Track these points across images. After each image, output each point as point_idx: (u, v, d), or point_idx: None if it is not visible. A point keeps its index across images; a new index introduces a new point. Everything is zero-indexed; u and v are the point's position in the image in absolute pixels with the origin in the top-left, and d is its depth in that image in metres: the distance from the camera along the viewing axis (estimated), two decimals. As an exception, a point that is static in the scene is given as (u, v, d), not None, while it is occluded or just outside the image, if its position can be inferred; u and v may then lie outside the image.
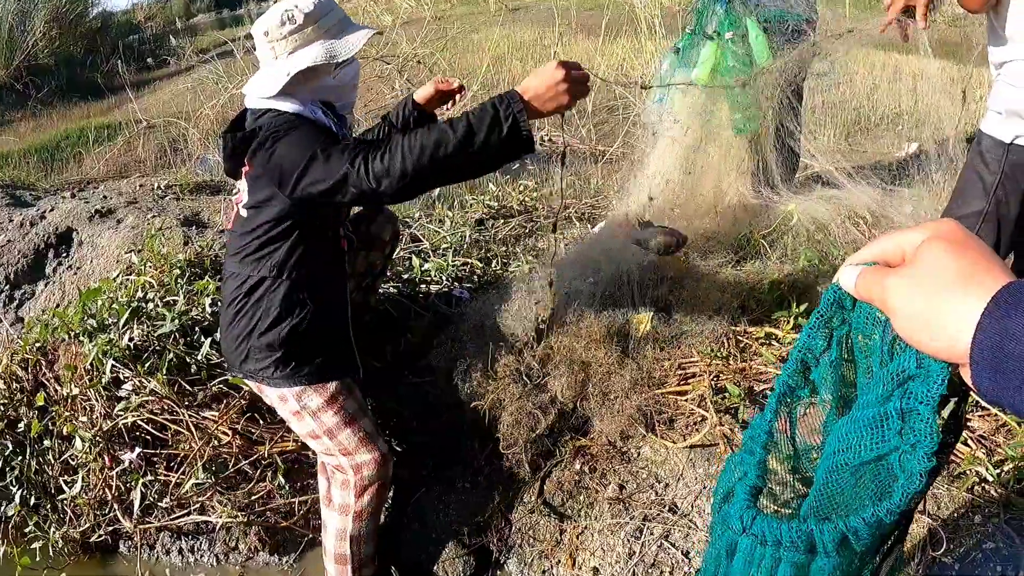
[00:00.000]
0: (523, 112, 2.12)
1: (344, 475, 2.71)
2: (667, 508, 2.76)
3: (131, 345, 3.14)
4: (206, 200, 4.50)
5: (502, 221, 4.10)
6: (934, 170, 3.61)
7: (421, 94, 2.94)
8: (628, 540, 2.69)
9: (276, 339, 2.57)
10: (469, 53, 7.03)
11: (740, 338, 3.18)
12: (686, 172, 3.65)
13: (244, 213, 2.59)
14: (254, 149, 2.47)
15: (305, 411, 2.64)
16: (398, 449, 3.09)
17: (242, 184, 2.60)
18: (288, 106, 2.50)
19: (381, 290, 3.47)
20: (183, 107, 6.44)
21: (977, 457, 2.74)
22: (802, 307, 3.16)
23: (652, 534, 2.69)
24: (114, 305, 3.25)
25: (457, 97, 2.98)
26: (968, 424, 2.89)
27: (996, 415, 2.86)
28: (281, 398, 2.66)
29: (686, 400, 3.03)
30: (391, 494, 2.96)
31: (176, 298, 3.30)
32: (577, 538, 2.80)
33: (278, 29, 2.45)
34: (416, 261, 3.64)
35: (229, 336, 2.66)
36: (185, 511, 2.97)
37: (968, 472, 2.68)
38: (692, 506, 2.75)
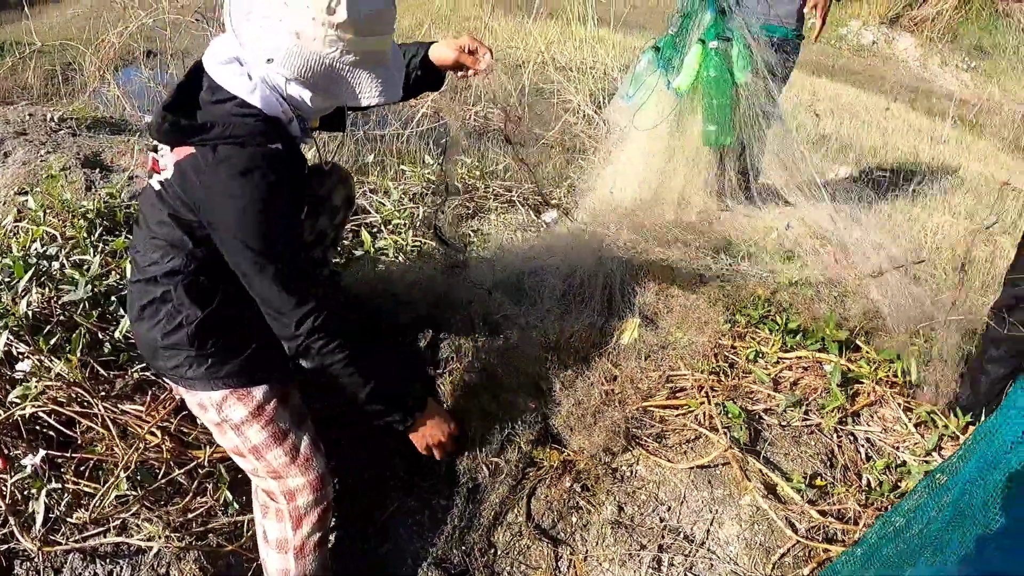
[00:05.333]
0: (410, 426, 2.25)
1: (277, 503, 2.13)
2: (681, 536, 2.42)
3: (28, 313, 2.37)
4: (106, 139, 3.53)
5: (440, 199, 3.59)
6: (877, 197, 3.54)
7: (438, 55, 2.24)
8: (649, 573, 2.33)
9: (186, 335, 1.97)
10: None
11: (728, 354, 2.90)
12: (654, 175, 3.35)
13: (156, 187, 1.93)
14: (203, 143, 1.82)
15: (227, 424, 2.05)
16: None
17: (169, 159, 1.88)
18: (258, 101, 1.82)
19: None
20: (83, 31, 5.27)
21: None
22: (788, 326, 2.95)
23: (674, 566, 2.34)
24: (6, 259, 2.43)
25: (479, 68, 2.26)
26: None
27: None
28: (200, 406, 2.07)
29: (678, 415, 2.72)
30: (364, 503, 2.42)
31: (88, 258, 2.52)
32: (583, 564, 2.41)
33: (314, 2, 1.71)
34: (366, 235, 3.04)
35: (139, 329, 2.04)
36: (101, 529, 2.24)
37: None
38: (707, 534, 2.43)
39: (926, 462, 2.63)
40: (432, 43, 2.28)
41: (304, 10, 1.71)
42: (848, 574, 1.75)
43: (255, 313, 1.98)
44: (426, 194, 3.48)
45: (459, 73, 2.30)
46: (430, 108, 4.33)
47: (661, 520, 2.47)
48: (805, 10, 3.86)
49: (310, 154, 3.63)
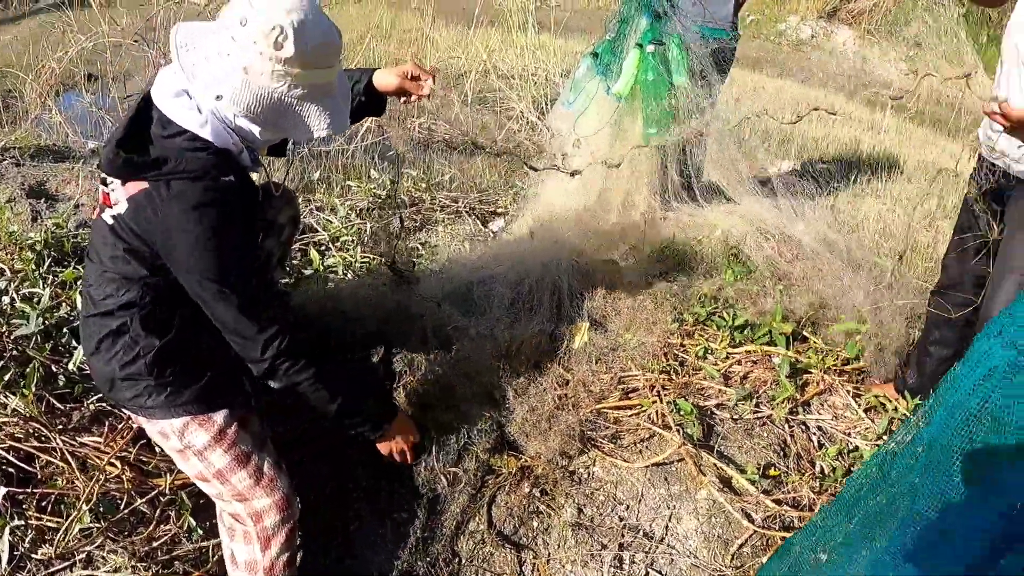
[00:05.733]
0: (380, 435, 2.33)
1: (243, 526, 2.15)
2: (640, 533, 2.51)
3: (-22, 351, 2.39)
4: (50, 167, 3.51)
5: (390, 212, 3.64)
6: (816, 190, 3.67)
7: (381, 82, 2.31)
8: (611, 572, 2.41)
9: (144, 365, 1.98)
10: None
11: (677, 352, 3.00)
12: (597, 179, 3.43)
13: (109, 221, 1.93)
14: (156, 178, 1.84)
15: (190, 450, 2.06)
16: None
17: (121, 193, 1.89)
18: (209, 134, 1.85)
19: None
20: (23, 56, 5.21)
21: None
22: (736, 322, 3.05)
23: (635, 563, 2.43)
24: (-48, 298, 2.44)
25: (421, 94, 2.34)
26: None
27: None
28: (161, 434, 2.07)
29: (631, 415, 2.80)
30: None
31: (37, 291, 2.53)
32: (546, 567, 2.48)
33: (259, 34, 1.73)
34: (315, 254, 3.09)
35: (95, 362, 2.05)
36: (67, 563, 2.25)
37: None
38: (665, 529, 2.52)
39: (878, 446, 2.74)
40: (375, 70, 2.34)
41: (251, 45, 1.74)
42: (828, 528, 1.82)
43: (211, 339, 2.02)
44: (373, 209, 3.54)
45: (402, 99, 2.37)
46: (374, 122, 4.38)
47: (620, 519, 2.55)
48: (741, 12, 3.98)
49: (255, 174, 3.67)
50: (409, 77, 2.30)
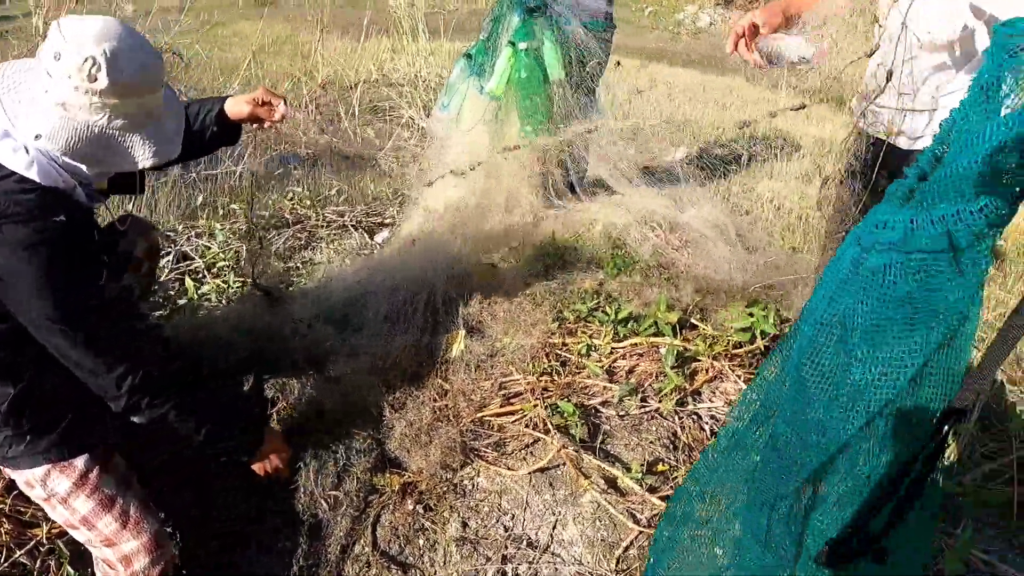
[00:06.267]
0: (251, 457, 2.31)
1: (115, 571, 2.12)
2: (524, 543, 2.45)
3: None
4: None
5: (275, 232, 3.56)
6: (714, 174, 3.66)
7: (233, 109, 2.30)
8: (493, 586, 2.35)
9: (0, 416, 1.94)
10: (220, 48, 6.13)
11: (559, 352, 2.95)
12: (477, 181, 3.38)
13: None
14: None
15: (54, 498, 2.04)
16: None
17: None
18: (36, 175, 1.78)
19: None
20: None
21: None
22: (619, 315, 3.01)
23: (518, 575, 2.38)
24: None
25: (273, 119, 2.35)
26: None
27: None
28: (27, 484, 2.05)
29: (514, 421, 2.75)
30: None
31: None
32: (428, 590, 2.42)
33: (73, 68, 1.70)
34: (190, 283, 3.00)
35: None
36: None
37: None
38: (550, 537, 2.47)
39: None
40: (226, 97, 2.32)
41: (66, 80, 1.71)
42: (714, 467, 1.75)
43: (66, 383, 1.96)
44: (255, 229, 3.46)
45: (254, 125, 2.36)
46: (261, 142, 4.29)
47: (505, 529, 2.50)
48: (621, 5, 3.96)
49: (132, 206, 3.58)
50: (260, 103, 2.29)
